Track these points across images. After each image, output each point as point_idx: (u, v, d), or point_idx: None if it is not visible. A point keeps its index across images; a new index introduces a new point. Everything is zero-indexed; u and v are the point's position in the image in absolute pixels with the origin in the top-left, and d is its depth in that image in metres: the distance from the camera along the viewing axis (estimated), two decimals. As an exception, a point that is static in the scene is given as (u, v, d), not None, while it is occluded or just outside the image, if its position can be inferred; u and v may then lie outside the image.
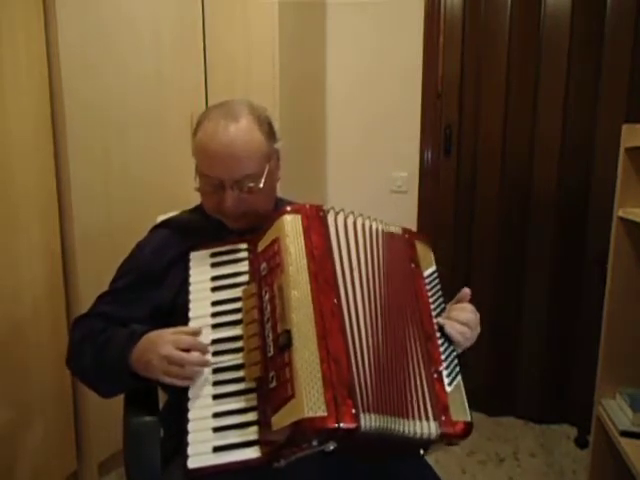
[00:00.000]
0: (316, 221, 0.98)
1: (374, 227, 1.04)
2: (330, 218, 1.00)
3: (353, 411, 0.81)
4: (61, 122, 1.61)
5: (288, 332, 0.86)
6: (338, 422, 0.79)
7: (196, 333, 0.95)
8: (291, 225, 0.96)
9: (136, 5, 1.81)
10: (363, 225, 1.03)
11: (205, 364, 0.92)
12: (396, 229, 1.08)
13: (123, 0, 1.76)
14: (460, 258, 2.37)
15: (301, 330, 0.86)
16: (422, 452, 0.91)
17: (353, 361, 0.86)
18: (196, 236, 1.10)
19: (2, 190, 1.48)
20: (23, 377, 1.58)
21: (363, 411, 0.82)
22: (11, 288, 1.52)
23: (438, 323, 0.99)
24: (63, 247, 1.67)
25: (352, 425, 0.80)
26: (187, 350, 0.91)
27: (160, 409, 1.10)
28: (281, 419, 0.82)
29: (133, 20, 1.80)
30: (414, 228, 2.41)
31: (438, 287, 1.06)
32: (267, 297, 0.93)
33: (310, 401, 0.80)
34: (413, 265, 1.03)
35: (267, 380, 0.86)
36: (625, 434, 1.55)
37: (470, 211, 2.34)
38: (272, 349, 0.88)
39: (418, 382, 0.91)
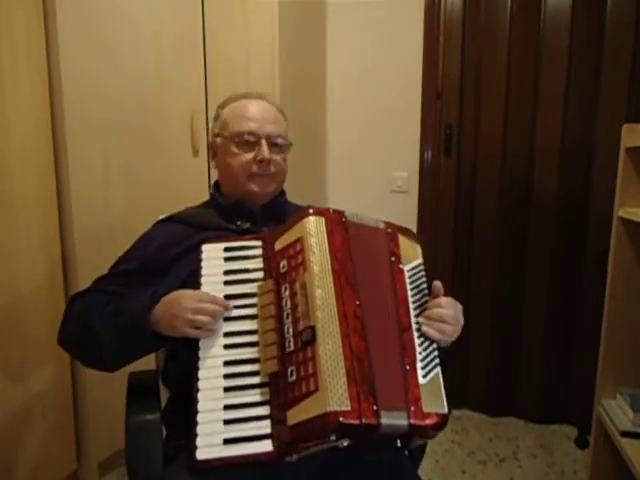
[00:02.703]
0: (339, 225, 0.99)
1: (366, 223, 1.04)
2: (351, 224, 1.01)
3: (374, 408, 0.82)
4: (60, 123, 1.61)
5: (312, 328, 0.87)
6: (360, 418, 0.80)
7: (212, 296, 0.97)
8: (315, 226, 0.97)
9: (136, 5, 1.81)
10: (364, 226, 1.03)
11: (226, 313, 0.96)
12: (379, 223, 1.06)
13: (123, 0, 1.76)
14: (460, 258, 2.37)
15: (326, 327, 0.87)
16: (399, 444, 0.89)
17: (375, 360, 0.87)
18: (207, 230, 1.12)
19: (2, 191, 1.47)
20: (23, 377, 1.58)
21: (382, 408, 0.83)
22: (11, 289, 1.52)
23: (417, 322, 0.98)
24: (63, 248, 1.67)
25: (374, 421, 0.81)
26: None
27: (162, 407, 1.10)
28: (300, 413, 0.82)
29: (133, 20, 1.79)
30: (414, 228, 2.41)
31: (422, 280, 1.05)
32: (287, 294, 0.94)
33: (335, 395, 0.81)
34: (393, 258, 1.02)
35: (285, 375, 0.87)
36: (625, 434, 1.56)
37: (470, 211, 2.34)
38: (292, 344, 0.88)
39: (387, 372, 0.90)
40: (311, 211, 0.99)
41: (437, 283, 1.02)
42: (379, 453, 0.99)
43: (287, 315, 0.92)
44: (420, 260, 1.07)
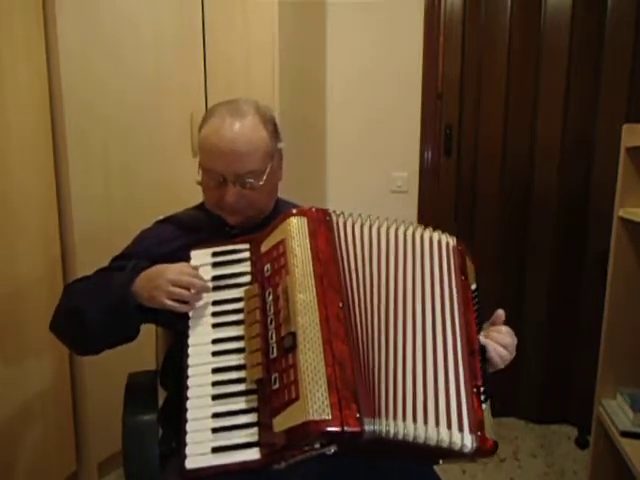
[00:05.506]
0: (322, 225, 0.97)
1: (409, 232, 1.01)
2: (335, 223, 0.98)
3: (357, 415, 0.80)
4: (60, 122, 1.61)
5: (293, 334, 0.86)
6: (342, 426, 0.78)
7: (196, 268, 0.99)
8: (297, 227, 0.95)
9: (136, 6, 1.81)
10: (375, 228, 1.00)
11: (207, 290, 0.97)
12: (449, 239, 1.04)
13: (123, 1, 1.76)
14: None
15: (307, 333, 0.85)
16: (441, 462, 0.90)
17: (359, 365, 0.85)
18: (198, 232, 1.12)
19: (2, 191, 1.47)
20: (23, 378, 1.58)
21: (367, 416, 0.81)
22: (10, 289, 1.52)
23: (481, 342, 0.97)
24: (62, 248, 1.67)
25: (356, 429, 0.79)
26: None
27: (159, 408, 1.09)
28: (283, 421, 0.81)
29: (133, 21, 1.79)
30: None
31: (478, 305, 1.04)
32: (270, 298, 0.92)
33: (315, 404, 0.79)
34: (463, 277, 1.01)
35: (269, 382, 0.86)
36: (625, 434, 1.55)
37: (470, 211, 2.34)
38: (275, 351, 0.87)
39: (455, 393, 0.89)
40: (294, 211, 0.98)
41: (501, 312, 1.04)
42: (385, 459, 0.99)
43: (271, 321, 0.90)
44: (475, 285, 1.06)
